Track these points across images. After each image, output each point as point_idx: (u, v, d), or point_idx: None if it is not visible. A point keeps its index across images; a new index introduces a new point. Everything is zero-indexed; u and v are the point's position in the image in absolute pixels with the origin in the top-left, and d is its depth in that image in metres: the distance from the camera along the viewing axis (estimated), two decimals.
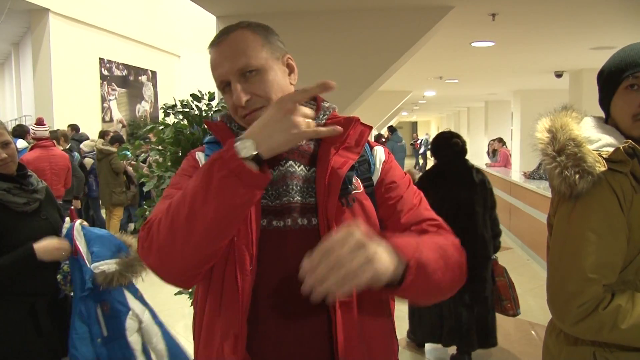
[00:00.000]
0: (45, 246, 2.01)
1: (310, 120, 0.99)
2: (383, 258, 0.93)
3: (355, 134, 1.17)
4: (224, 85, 1.12)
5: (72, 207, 2.14)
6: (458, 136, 3.62)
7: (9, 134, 2.12)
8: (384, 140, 12.42)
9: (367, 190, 1.17)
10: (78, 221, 2.18)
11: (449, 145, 3.55)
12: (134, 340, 2.14)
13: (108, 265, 2.13)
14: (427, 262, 1.01)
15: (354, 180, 1.14)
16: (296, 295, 1.06)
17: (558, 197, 1.39)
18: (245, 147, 0.95)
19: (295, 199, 1.11)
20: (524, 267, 6.58)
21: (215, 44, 1.14)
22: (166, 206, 1.02)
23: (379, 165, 1.22)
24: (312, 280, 0.88)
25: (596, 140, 1.37)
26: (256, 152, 0.95)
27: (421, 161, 21.36)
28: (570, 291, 1.28)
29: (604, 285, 1.28)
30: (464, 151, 3.56)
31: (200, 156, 1.22)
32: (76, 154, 6.79)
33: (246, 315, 1.07)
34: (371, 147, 1.25)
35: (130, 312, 2.16)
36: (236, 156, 0.94)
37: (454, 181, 3.48)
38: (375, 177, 1.21)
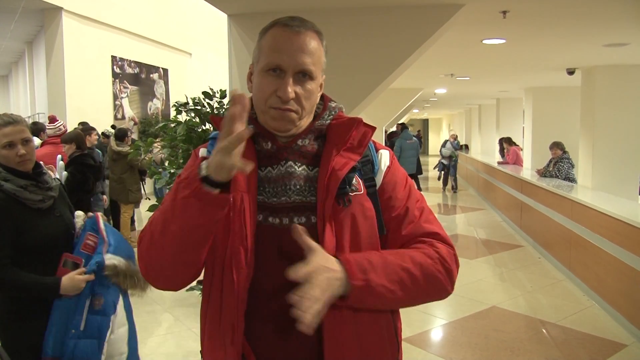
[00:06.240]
0: (72, 284, 2.04)
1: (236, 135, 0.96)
2: (332, 289, 1.03)
3: (358, 134, 1.20)
4: (272, 69, 1.12)
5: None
6: None
7: (30, 132, 2.16)
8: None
9: (370, 191, 1.19)
10: (99, 214, 2.25)
11: None
12: (106, 345, 2.10)
13: (119, 262, 2.15)
14: (375, 285, 1.07)
15: (354, 182, 1.16)
16: (293, 291, 1.08)
17: None
18: (202, 168, 1.01)
19: (293, 198, 1.14)
20: (535, 265, 6.55)
21: (288, 25, 1.13)
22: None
23: (383, 168, 1.23)
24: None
25: None
26: (207, 174, 1.00)
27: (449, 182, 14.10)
28: None
29: None
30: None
31: (204, 153, 1.24)
32: (98, 151, 6.77)
33: (243, 308, 1.10)
34: (377, 149, 1.26)
35: (113, 317, 2.13)
36: (197, 177, 1.01)
37: None
38: (378, 180, 1.22)
